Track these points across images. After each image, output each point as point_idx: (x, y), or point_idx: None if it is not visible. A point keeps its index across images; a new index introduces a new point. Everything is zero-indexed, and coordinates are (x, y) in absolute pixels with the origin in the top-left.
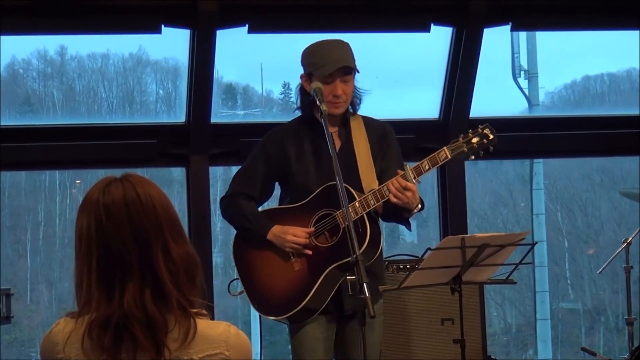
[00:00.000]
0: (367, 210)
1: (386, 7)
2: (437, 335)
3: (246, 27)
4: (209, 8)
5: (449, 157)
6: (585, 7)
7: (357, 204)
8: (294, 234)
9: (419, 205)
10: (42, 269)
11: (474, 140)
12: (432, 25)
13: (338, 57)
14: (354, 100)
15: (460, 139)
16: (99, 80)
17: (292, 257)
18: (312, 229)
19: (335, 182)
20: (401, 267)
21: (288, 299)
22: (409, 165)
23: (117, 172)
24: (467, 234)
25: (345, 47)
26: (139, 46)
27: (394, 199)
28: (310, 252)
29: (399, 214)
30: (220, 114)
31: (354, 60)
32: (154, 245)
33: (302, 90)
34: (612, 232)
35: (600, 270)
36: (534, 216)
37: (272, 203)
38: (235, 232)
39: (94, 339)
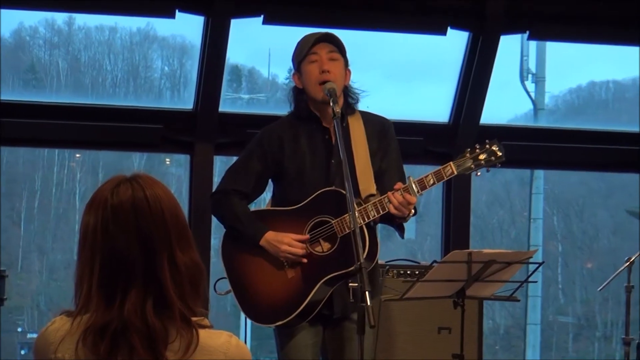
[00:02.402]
0: (367, 221)
1: (403, 7)
2: (433, 344)
3: (261, 18)
4: None
5: (455, 172)
6: (604, 19)
7: (356, 214)
8: (289, 244)
9: (412, 211)
10: (35, 238)
11: (481, 157)
12: (449, 28)
13: (318, 33)
14: (349, 101)
15: (467, 155)
16: (105, 52)
17: (285, 265)
18: (308, 236)
19: (332, 188)
20: (401, 272)
21: (280, 308)
22: (413, 178)
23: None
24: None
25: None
26: (147, 22)
27: (394, 211)
28: (305, 261)
29: (391, 220)
30: (224, 97)
31: (341, 43)
32: (160, 253)
33: (296, 90)
34: (607, 240)
35: (601, 288)
36: (532, 220)
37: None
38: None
39: (89, 345)
